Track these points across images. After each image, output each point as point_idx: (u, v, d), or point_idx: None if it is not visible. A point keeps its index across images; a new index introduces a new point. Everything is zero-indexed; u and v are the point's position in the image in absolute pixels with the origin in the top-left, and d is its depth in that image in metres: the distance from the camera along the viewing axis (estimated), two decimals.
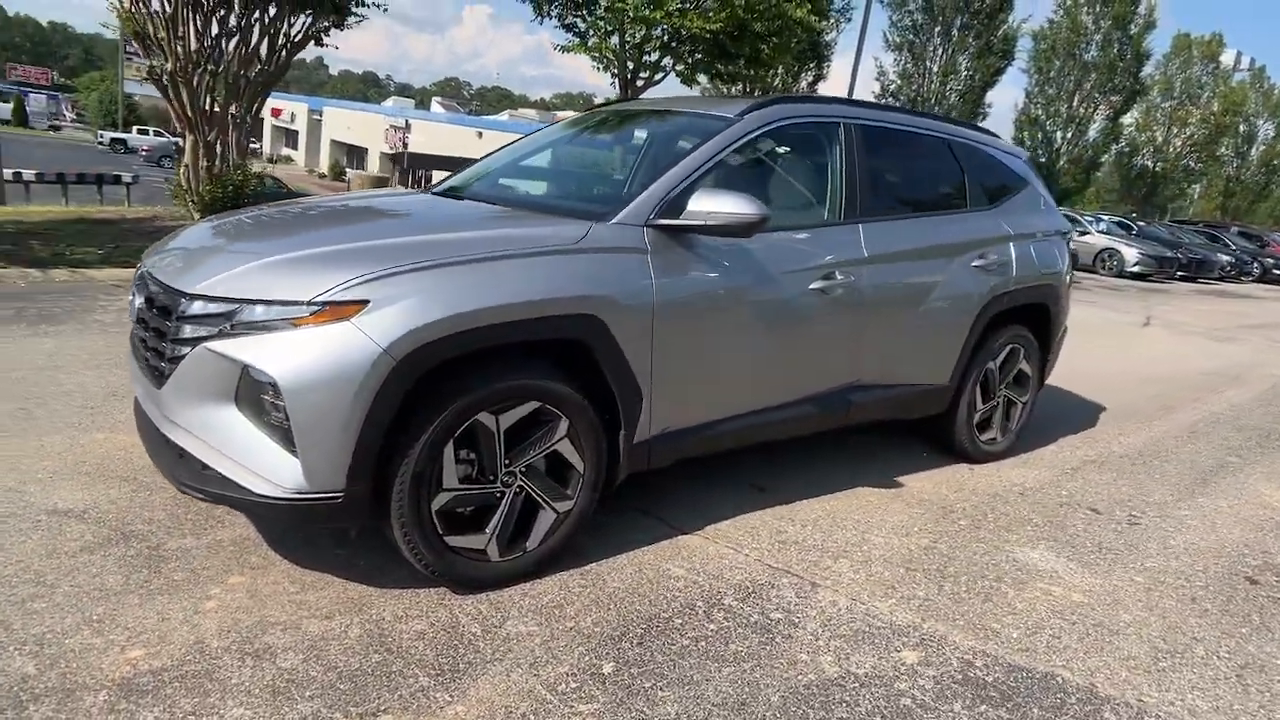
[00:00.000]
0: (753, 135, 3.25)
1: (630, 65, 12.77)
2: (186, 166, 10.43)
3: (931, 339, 3.86)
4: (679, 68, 13.43)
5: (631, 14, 11.29)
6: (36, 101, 65.04)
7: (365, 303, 2.30)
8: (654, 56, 12.97)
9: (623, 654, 2.37)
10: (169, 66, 9.70)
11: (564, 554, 2.84)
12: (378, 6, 11.01)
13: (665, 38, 12.32)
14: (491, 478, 2.59)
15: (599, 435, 2.77)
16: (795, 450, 4.17)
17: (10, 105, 61.17)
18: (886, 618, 2.71)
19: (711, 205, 2.82)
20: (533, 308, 2.52)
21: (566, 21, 13.09)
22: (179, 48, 9.65)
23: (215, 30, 9.98)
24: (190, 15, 9.50)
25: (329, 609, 2.45)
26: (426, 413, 2.40)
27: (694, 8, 11.59)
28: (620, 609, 2.61)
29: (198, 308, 2.37)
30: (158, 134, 49.08)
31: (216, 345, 2.32)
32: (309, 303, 2.29)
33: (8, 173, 16.31)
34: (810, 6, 12.62)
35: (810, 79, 25.52)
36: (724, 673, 2.33)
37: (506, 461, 2.60)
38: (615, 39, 12.63)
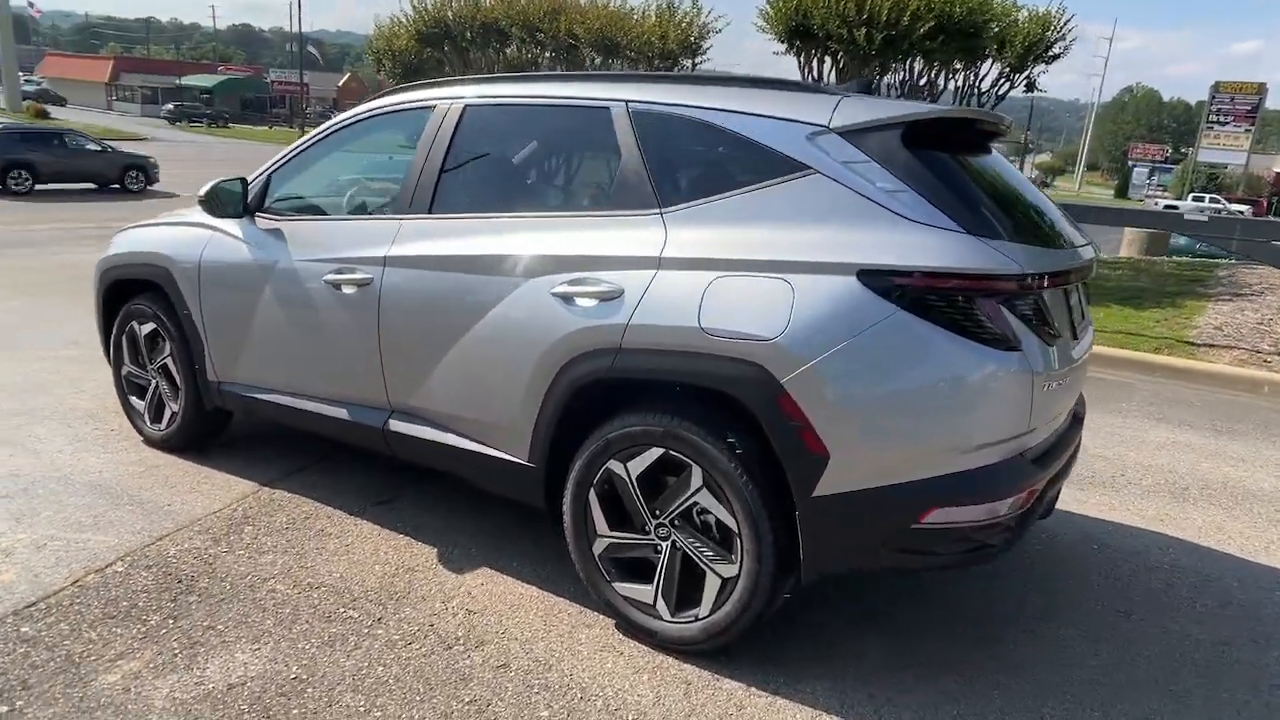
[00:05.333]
0: (332, 132, 3.29)
1: None
2: None
3: (478, 385, 2.73)
4: None
5: None
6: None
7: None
8: None
9: None
10: None
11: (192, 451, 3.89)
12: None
13: None
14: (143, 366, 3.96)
15: (187, 361, 3.71)
16: None
17: None
18: None
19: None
20: (135, 256, 3.79)
21: None
22: None
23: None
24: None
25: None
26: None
27: None
28: None
29: None
30: (1214, 201, 45.75)
31: None
32: None
33: None
34: None
35: None
36: None
37: (151, 359, 3.92)
38: None
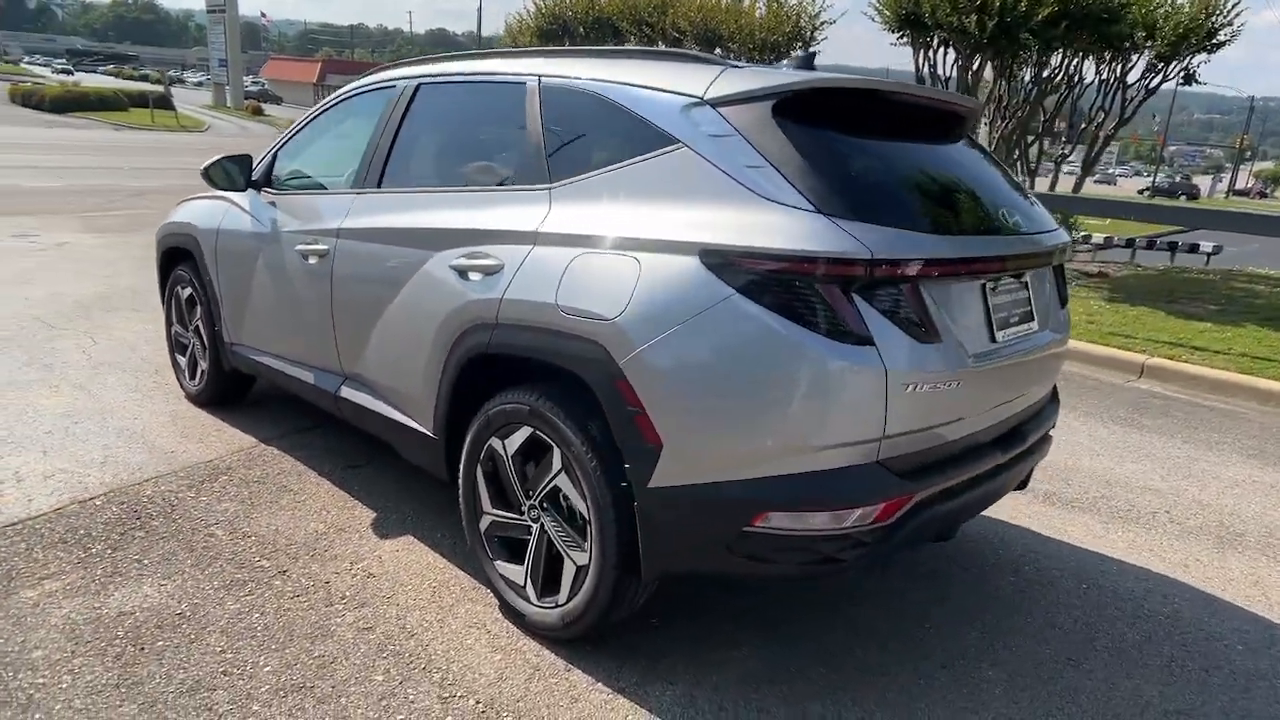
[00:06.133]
0: (325, 109, 3.47)
1: None
2: None
3: (398, 355, 2.80)
4: None
5: None
6: None
7: None
8: None
9: None
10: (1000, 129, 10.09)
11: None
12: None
13: None
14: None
15: (209, 323, 4.06)
16: None
17: None
18: None
19: None
20: (177, 226, 4.18)
21: None
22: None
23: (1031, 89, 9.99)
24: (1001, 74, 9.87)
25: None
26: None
27: None
28: None
29: None
30: None
31: None
32: None
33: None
34: None
35: None
36: None
37: (189, 321, 4.31)
38: None
